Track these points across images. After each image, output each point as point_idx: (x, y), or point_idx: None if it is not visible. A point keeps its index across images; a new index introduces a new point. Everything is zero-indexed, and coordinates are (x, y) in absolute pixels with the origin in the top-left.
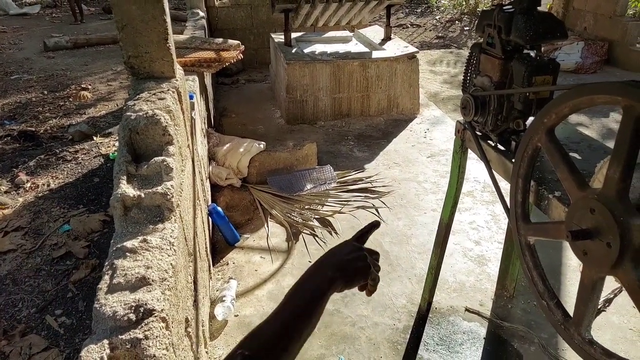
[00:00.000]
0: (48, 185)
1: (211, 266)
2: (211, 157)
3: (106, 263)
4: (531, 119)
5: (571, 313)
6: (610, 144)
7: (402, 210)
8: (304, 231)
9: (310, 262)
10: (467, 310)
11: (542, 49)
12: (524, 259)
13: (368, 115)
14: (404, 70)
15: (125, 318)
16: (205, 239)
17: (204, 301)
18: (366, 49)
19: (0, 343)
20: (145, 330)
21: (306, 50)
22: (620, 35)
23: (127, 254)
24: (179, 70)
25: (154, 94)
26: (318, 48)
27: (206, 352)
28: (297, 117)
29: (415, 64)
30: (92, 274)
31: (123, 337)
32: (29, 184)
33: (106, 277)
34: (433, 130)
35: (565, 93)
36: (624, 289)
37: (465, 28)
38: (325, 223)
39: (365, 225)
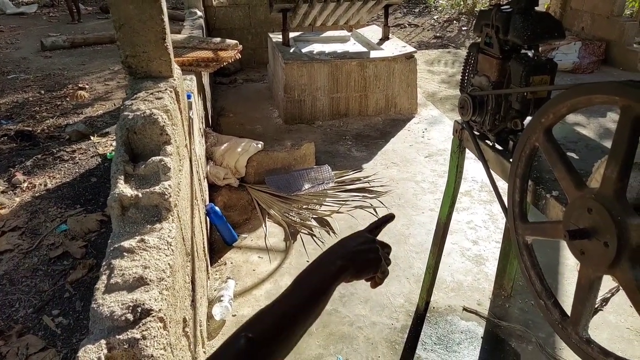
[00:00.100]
0: (45, 185)
1: (209, 266)
2: (209, 157)
3: (104, 263)
4: (529, 118)
5: (569, 312)
6: (608, 144)
7: (400, 210)
8: (302, 231)
9: (308, 261)
10: (464, 309)
11: (540, 48)
12: (521, 258)
13: (366, 115)
14: (402, 70)
15: (123, 318)
16: (203, 238)
17: (201, 301)
18: (364, 49)
19: None
20: (143, 330)
21: (304, 50)
22: (617, 35)
23: (125, 253)
24: (176, 70)
25: (152, 94)
26: (316, 48)
27: (204, 352)
28: (295, 116)
29: (413, 63)
30: (90, 274)
31: (120, 337)
32: (26, 184)
33: (103, 277)
34: (431, 130)
35: (563, 93)
36: (621, 288)
37: (463, 28)
38: (323, 223)
39: (379, 217)
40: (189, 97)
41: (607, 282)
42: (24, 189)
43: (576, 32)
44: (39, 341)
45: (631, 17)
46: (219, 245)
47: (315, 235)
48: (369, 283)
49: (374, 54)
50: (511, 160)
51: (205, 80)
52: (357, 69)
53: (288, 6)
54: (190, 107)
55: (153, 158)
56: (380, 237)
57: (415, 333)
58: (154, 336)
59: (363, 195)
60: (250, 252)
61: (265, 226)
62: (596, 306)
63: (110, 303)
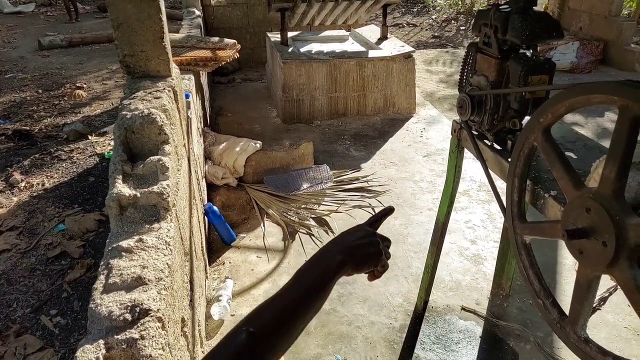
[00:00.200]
0: (43, 185)
1: (207, 266)
2: (207, 157)
3: (102, 263)
4: (527, 118)
5: (567, 312)
6: (606, 143)
7: (398, 210)
8: (301, 230)
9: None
10: (463, 309)
11: (538, 48)
12: (520, 257)
13: (364, 114)
14: (400, 70)
15: (121, 318)
16: (201, 238)
17: (200, 301)
18: (362, 48)
19: None
20: (141, 330)
21: (302, 50)
22: (615, 35)
23: (123, 253)
24: (174, 69)
25: (150, 93)
26: (314, 47)
27: (202, 351)
28: (293, 116)
29: (412, 63)
30: (88, 274)
31: (119, 337)
32: (23, 183)
33: (102, 277)
34: (429, 130)
35: (561, 92)
36: (619, 287)
37: (462, 27)
38: (321, 222)
39: (379, 211)
40: (187, 96)
41: (606, 282)
42: (22, 188)
43: (574, 32)
44: (37, 341)
45: (629, 17)
46: (217, 244)
47: (313, 235)
48: (368, 282)
49: (372, 53)
50: (510, 159)
51: (204, 79)
52: (356, 69)
53: (286, 5)
54: (188, 107)
55: (151, 158)
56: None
57: (413, 332)
58: (153, 336)
59: (361, 195)
60: (248, 252)
61: (264, 226)
62: (594, 305)
63: (108, 303)
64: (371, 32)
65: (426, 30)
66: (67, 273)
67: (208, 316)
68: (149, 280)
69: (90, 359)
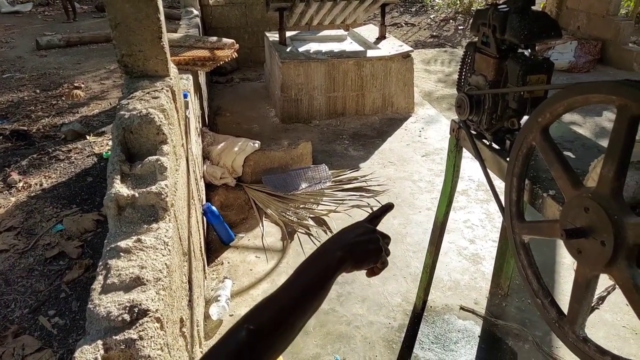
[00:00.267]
0: (41, 185)
1: (206, 266)
2: (205, 156)
3: (100, 263)
4: (526, 117)
5: (565, 311)
6: (604, 143)
7: (397, 209)
8: (299, 230)
9: None
10: (461, 308)
11: (536, 48)
12: (518, 257)
13: (363, 114)
14: (399, 69)
15: (120, 318)
16: (199, 238)
17: (198, 301)
18: (361, 48)
19: None
20: (140, 331)
21: (301, 49)
22: (613, 34)
23: (121, 254)
24: (173, 69)
25: (148, 93)
26: (313, 47)
27: (201, 352)
28: (291, 116)
29: (410, 62)
30: (86, 274)
31: (117, 337)
32: (21, 184)
33: (100, 278)
34: (428, 129)
35: (559, 92)
36: (617, 286)
37: (460, 27)
38: (320, 222)
39: (378, 207)
40: (185, 96)
41: (604, 281)
42: (20, 188)
43: (572, 31)
44: (35, 342)
45: (627, 16)
46: (216, 244)
47: (312, 235)
48: (366, 282)
49: (370, 53)
50: (508, 159)
51: (202, 79)
52: (354, 68)
53: (285, 5)
54: (186, 107)
55: (149, 158)
56: None
57: (412, 332)
58: (151, 336)
59: (360, 195)
60: (247, 252)
61: (262, 226)
62: (593, 305)
63: (106, 303)
64: (369, 31)
65: (424, 29)
66: (65, 273)
67: (207, 316)
68: (147, 281)
69: (88, 359)
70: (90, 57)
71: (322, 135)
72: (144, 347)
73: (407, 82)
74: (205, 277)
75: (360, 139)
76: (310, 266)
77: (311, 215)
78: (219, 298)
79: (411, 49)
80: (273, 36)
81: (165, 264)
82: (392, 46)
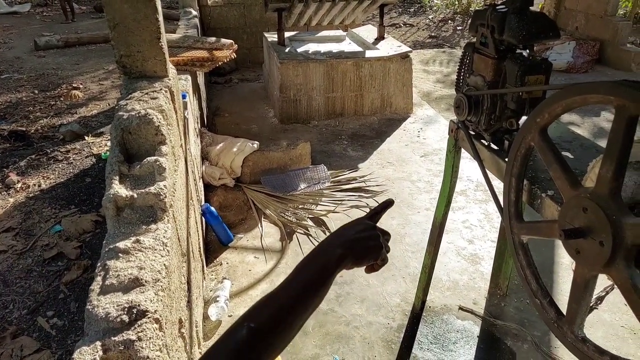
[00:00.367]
0: (39, 186)
1: (205, 266)
2: (204, 157)
3: (98, 264)
4: (524, 118)
5: (564, 311)
6: (602, 143)
7: (395, 210)
8: (298, 231)
9: None
10: (460, 308)
11: (535, 48)
12: (517, 257)
13: (361, 114)
14: (397, 70)
15: (118, 319)
16: (198, 239)
17: (197, 302)
18: (359, 49)
19: None
20: (139, 332)
21: (299, 50)
22: (611, 34)
23: (120, 254)
24: (171, 70)
25: (147, 94)
26: (311, 47)
27: (200, 352)
28: (290, 116)
29: (409, 63)
30: (84, 275)
31: (116, 338)
32: (19, 184)
33: (98, 278)
34: (426, 130)
35: (558, 92)
36: (615, 287)
37: (458, 27)
38: (319, 222)
39: (378, 204)
40: (184, 96)
41: (602, 281)
42: (18, 189)
43: (570, 31)
44: (34, 343)
45: (624, 16)
46: (214, 245)
47: (311, 235)
48: (365, 282)
49: (369, 53)
50: (507, 159)
51: (201, 79)
52: (353, 69)
53: (283, 5)
54: (185, 107)
55: (148, 158)
56: None
57: (411, 332)
58: (150, 337)
59: (359, 195)
60: (246, 252)
61: (261, 226)
62: (591, 304)
63: (105, 304)
64: (368, 32)
65: (423, 30)
66: (63, 274)
67: (205, 317)
68: (146, 282)
69: None
70: (89, 57)
71: (321, 135)
72: (142, 348)
73: (406, 83)
74: (204, 278)
75: (359, 140)
76: (311, 263)
77: (310, 216)
78: (217, 299)
79: (410, 49)
80: (272, 37)
81: (164, 264)
82: (390, 47)
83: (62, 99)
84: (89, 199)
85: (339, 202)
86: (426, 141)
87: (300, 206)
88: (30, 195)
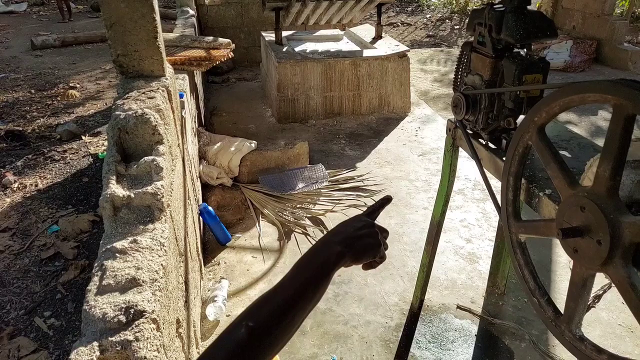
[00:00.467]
0: (36, 186)
1: (202, 266)
2: (202, 157)
3: (95, 264)
4: (522, 117)
5: (562, 310)
6: (600, 142)
7: (393, 209)
8: (296, 230)
9: None
10: (458, 307)
11: (532, 47)
12: (514, 256)
13: (359, 113)
14: (395, 69)
15: (115, 320)
16: (196, 238)
17: (195, 302)
18: (357, 48)
19: None
20: (136, 332)
21: (297, 49)
22: (608, 33)
23: (117, 254)
24: (168, 69)
25: (144, 93)
26: (309, 46)
27: (198, 352)
28: (288, 115)
29: (406, 62)
30: (82, 275)
31: (113, 339)
32: (16, 184)
33: (95, 279)
34: (424, 129)
35: (555, 91)
36: (613, 285)
37: (456, 27)
38: (317, 222)
39: (377, 201)
40: (181, 96)
41: (600, 279)
42: (15, 189)
43: (567, 30)
44: (31, 343)
45: (621, 15)
46: (212, 245)
47: (309, 235)
48: (363, 281)
49: (367, 52)
50: (504, 158)
51: (198, 79)
52: (351, 68)
53: (281, 5)
54: (182, 107)
55: (145, 158)
56: None
57: (409, 331)
58: (147, 338)
59: (357, 194)
60: (244, 252)
61: (259, 226)
62: (589, 303)
63: (102, 305)
64: (366, 31)
65: (420, 29)
66: (61, 274)
67: (203, 317)
68: (143, 282)
69: None
70: (86, 57)
71: (319, 135)
72: (140, 348)
73: (404, 82)
74: (202, 278)
75: (357, 139)
76: (309, 261)
77: (308, 215)
78: (215, 298)
79: (407, 48)
80: (269, 36)
81: (162, 264)
82: (388, 46)
83: (59, 98)
84: (86, 199)
85: (337, 201)
86: (424, 140)
87: (298, 205)
88: (27, 195)
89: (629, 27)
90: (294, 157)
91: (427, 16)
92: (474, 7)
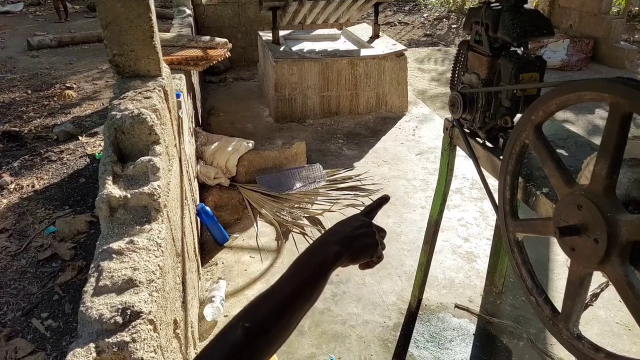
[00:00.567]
0: (33, 186)
1: (200, 266)
2: (199, 156)
3: (92, 265)
4: (519, 116)
5: (559, 308)
6: (597, 140)
7: (391, 208)
8: (294, 230)
9: None
10: (456, 306)
11: (529, 46)
12: (512, 255)
13: (357, 113)
14: (393, 68)
15: (112, 321)
16: (193, 239)
17: (192, 302)
18: (354, 47)
19: None
20: (133, 333)
21: (294, 48)
22: (605, 32)
23: (114, 255)
24: (165, 69)
25: (140, 93)
26: (306, 46)
27: (196, 353)
28: (285, 115)
29: (404, 61)
30: (79, 276)
31: (110, 340)
32: (13, 185)
33: (92, 280)
34: (421, 128)
35: (552, 90)
36: (610, 283)
37: (453, 26)
38: (314, 222)
39: (375, 200)
40: (178, 96)
41: (597, 278)
42: (11, 190)
43: (564, 29)
44: (28, 344)
45: (618, 14)
46: (210, 245)
47: (307, 234)
48: (361, 281)
49: (364, 52)
50: (501, 157)
51: (195, 79)
52: (348, 67)
53: (278, 4)
54: (179, 106)
55: (142, 158)
56: None
57: (407, 331)
58: (144, 339)
59: (354, 194)
60: (241, 252)
61: (257, 226)
62: (586, 301)
63: (98, 306)
64: (363, 30)
65: (418, 28)
66: (58, 275)
67: (201, 317)
68: (140, 282)
69: None
70: (82, 57)
71: (316, 134)
72: (136, 349)
73: (401, 81)
74: (200, 278)
75: (355, 138)
76: (306, 261)
77: (306, 215)
78: (213, 299)
79: (405, 47)
80: (266, 35)
81: (158, 265)
82: (385, 45)
83: (55, 99)
84: (83, 200)
85: (335, 201)
86: (421, 139)
87: (295, 205)
88: (24, 196)
89: (625, 25)
90: (291, 156)
91: (425, 15)
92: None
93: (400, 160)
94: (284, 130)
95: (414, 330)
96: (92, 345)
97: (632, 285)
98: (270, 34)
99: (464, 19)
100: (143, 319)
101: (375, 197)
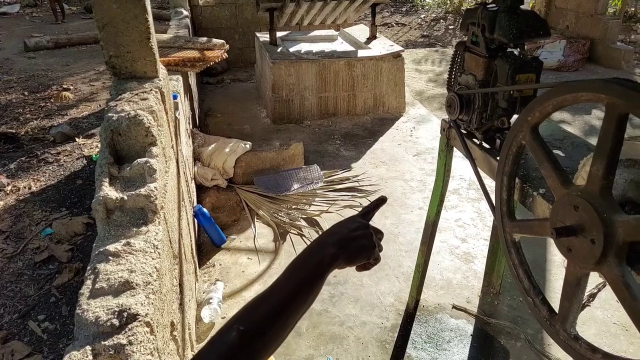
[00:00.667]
0: (29, 188)
1: (197, 268)
2: (196, 158)
3: (88, 267)
4: (515, 116)
5: (556, 309)
6: (593, 141)
7: (388, 209)
8: (291, 231)
9: None
10: (454, 307)
11: (525, 47)
12: (509, 256)
13: (354, 114)
14: (390, 69)
15: (108, 323)
16: (190, 240)
17: (190, 304)
18: (352, 48)
19: None
20: (129, 336)
21: (292, 49)
22: (601, 33)
23: (110, 257)
24: (162, 70)
25: (137, 94)
26: (304, 47)
27: (193, 354)
28: (283, 116)
29: (401, 62)
30: (76, 278)
31: (106, 342)
32: (9, 187)
33: (88, 282)
34: (419, 129)
35: (549, 91)
36: (607, 284)
37: (450, 27)
38: (312, 223)
39: (372, 201)
40: (175, 97)
41: (594, 278)
42: (8, 192)
43: (561, 30)
44: (25, 347)
45: (614, 15)
46: (207, 247)
47: (304, 236)
48: (359, 282)
49: (361, 53)
50: (498, 158)
51: (192, 80)
52: (345, 68)
53: (275, 5)
54: (176, 108)
55: (138, 160)
56: None
57: (405, 332)
58: (141, 341)
59: (352, 195)
60: (239, 254)
61: (254, 227)
62: (583, 302)
63: (95, 308)
64: (360, 31)
65: (415, 29)
66: (55, 277)
67: (198, 319)
68: (136, 285)
69: None
70: (79, 58)
71: (314, 135)
72: (133, 352)
73: (398, 82)
74: (197, 280)
75: (352, 139)
76: (303, 263)
77: (303, 216)
78: (210, 301)
79: (402, 48)
80: (264, 36)
81: (155, 267)
82: (383, 46)
83: (52, 100)
84: (80, 201)
85: (332, 202)
86: (419, 140)
87: (293, 206)
88: (21, 197)
89: (621, 26)
90: (289, 158)
91: (422, 16)
92: (468, 7)
93: (397, 161)
94: (281, 132)
95: (412, 331)
96: (88, 347)
97: (629, 285)
98: (268, 35)
99: (460, 20)
100: (140, 321)
101: (372, 198)
